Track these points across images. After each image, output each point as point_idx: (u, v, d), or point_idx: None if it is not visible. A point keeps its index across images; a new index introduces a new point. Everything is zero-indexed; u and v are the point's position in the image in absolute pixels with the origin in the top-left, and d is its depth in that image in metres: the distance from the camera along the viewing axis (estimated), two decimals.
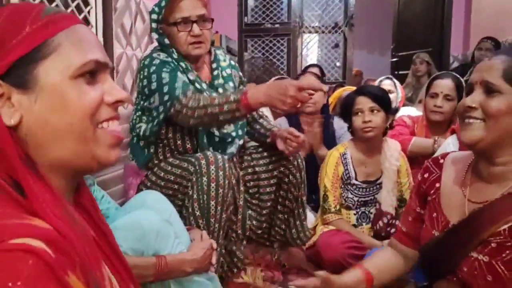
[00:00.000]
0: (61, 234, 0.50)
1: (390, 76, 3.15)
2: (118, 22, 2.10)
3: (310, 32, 5.07)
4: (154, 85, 1.59)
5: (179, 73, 1.60)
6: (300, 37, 4.93)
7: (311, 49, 5.22)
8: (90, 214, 0.67)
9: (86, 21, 1.95)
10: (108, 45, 2.02)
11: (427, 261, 1.10)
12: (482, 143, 0.98)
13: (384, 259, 1.24)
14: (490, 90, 0.98)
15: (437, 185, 1.13)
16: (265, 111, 2.36)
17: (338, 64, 5.05)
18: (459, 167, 1.11)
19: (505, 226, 0.96)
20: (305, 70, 3.67)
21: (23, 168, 0.52)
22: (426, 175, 1.17)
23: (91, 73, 0.59)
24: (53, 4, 1.75)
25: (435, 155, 1.83)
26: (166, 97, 1.56)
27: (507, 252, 0.94)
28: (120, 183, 1.90)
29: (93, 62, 0.58)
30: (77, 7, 1.87)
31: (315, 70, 3.39)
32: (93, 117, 0.58)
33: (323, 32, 5.02)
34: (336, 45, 5.00)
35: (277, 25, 4.93)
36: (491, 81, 0.97)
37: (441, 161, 1.16)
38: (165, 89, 1.56)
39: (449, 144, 1.82)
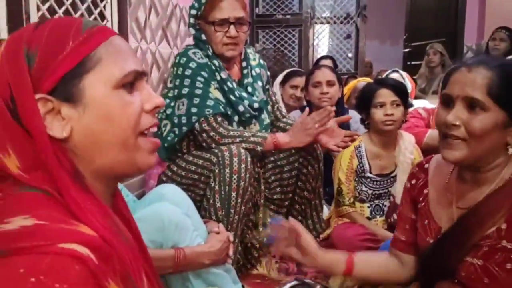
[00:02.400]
0: (106, 241, 0.52)
1: (397, 69, 3.12)
2: (133, 16, 2.12)
3: (322, 22, 5.03)
4: (185, 90, 1.62)
5: (212, 86, 1.63)
6: (312, 28, 4.89)
7: (322, 40, 5.19)
8: (127, 218, 0.70)
9: (102, 16, 1.97)
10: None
11: (426, 268, 1.10)
12: (466, 161, 0.97)
13: (376, 257, 1.23)
14: (473, 106, 0.93)
15: (425, 191, 1.12)
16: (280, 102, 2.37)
17: (350, 55, 5.01)
18: (444, 171, 1.10)
19: (493, 228, 0.96)
20: (317, 62, 3.67)
21: (65, 179, 0.55)
22: (413, 182, 1.16)
23: (131, 83, 0.61)
24: (69, 1, 1.77)
25: None
26: (193, 110, 1.60)
27: (499, 254, 0.95)
28: (139, 175, 1.93)
29: (133, 73, 0.61)
30: (93, 2, 1.89)
31: (328, 62, 3.39)
32: (136, 127, 0.61)
33: (335, 22, 4.98)
34: (348, 36, 4.96)
35: (288, 16, 4.89)
36: (476, 97, 0.92)
37: (426, 165, 1.15)
38: (196, 101, 1.60)
39: None
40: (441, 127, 0.99)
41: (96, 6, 1.92)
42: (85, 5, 1.85)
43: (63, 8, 1.73)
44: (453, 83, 0.97)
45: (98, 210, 0.56)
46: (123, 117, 0.59)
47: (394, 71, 3.06)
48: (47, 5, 1.64)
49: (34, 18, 1.59)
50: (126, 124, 0.60)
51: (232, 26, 1.63)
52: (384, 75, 3.06)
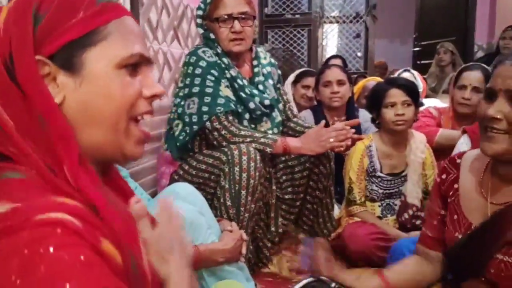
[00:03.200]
0: (102, 215, 0.51)
1: (408, 68, 3.11)
2: (145, 17, 2.14)
3: (331, 22, 5.02)
4: (196, 89, 1.64)
5: (222, 85, 1.65)
6: (321, 27, 4.89)
7: (331, 40, 5.18)
8: (125, 191, 0.68)
9: None
10: None
11: (453, 264, 1.10)
12: (505, 155, 0.96)
13: (410, 269, 1.20)
14: None
15: (456, 186, 1.11)
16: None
17: (359, 54, 5.00)
18: (477, 167, 1.09)
19: None
20: (327, 62, 3.66)
21: (75, 152, 0.53)
22: (444, 176, 1.15)
23: (134, 65, 0.60)
24: None
25: (453, 153, 1.82)
26: (204, 109, 1.61)
27: None
28: (151, 173, 1.95)
29: (138, 55, 0.60)
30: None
31: (338, 61, 3.38)
32: (131, 109, 0.60)
33: (344, 22, 4.97)
34: (358, 35, 4.94)
35: (297, 16, 4.89)
36: None
37: (458, 160, 1.14)
38: (206, 100, 1.62)
39: (462, 143, 1.82)
40: (482, 120, 0.99)
41: None
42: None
43: None
44: (496, 76, 0.97)
45: (91, 179, 0.54)
46: (119, 97, 0.58)
47: (405, 70, 3.06)
48: None
49: None
50: (121, 104, 0.58)
51: (236, 21, 1.65)
52: (396, 74, 3.05)
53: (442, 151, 2.08)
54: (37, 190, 0.50)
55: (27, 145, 0.52)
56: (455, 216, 1.09)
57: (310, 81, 2.74)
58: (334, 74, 2.35)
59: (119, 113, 0.58)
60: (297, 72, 2.89)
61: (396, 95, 1.83)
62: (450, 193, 1.12)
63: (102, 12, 0.57)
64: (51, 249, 0.43)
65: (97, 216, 0.51)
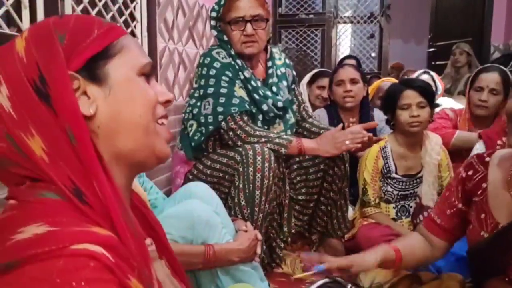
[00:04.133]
0: (122, 240, 0.52)
1: (427, 70, 3.08)
2: (161, 17, 2.16)
3: (345, 22, 5.00)
4: (211, 90, 1.65)
5: (237, 86, 1.65)
6: (334, 27, 4.87)
7: (345, 40, 5.16)
8: (142, 212, 0.71)
9: (132, 17, 2.01)
10: (151, 40, 2.08)
11: (476, 262, 1.09)
12: None
13: (414, 243, 1.22)
14: None
15: (484, 185, 1.10)
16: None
17: (373, 54, 4.97)
18: (506, 166, 1.08)
19: None
20: (341, 62, 3.65)
21: (93, 162, 0.55)
22: (470, 173, 1.14)
23: (147, 74, 0.64)
24: (102, 1, 1.82)
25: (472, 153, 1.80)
26: (220, 109, 1.62)
27: None
28: (166, 173, 1.96)
29: (149, 64, 0.64)
30: (124, 3, 1.93)
31: (352, 62, 3.36)
32: (154, 112, 0.63)
33: (358, 22, 4.94)
34: (372, 35, 4.92)
35: (311, 16, 4.88)
36: None
37: (487, 159, 1.13)
38: (221, 100, 1.63)
39: (477, 149, 1.80)
40: (509, 115, 1.00)
41: (126, 7, 1.97)
42: (116, 6, 1.90)
43: (96, 9, 1.78)
44: None
45: (119, 206, 0.55)
46: (145, 101, 0.62)
47: (424, 72, 3.02)
48: (81, 6, 1.69)
49: None
50: (146, 107, 0.62)
51: (248, 24, 1.65)
52: (414, 76, 3.02)
53: (458, 153, 2.06)
54: (71, 214, 0.52)
55: (56, 168, 0.54)
56: (482, 215, 1.08)
57: (326, 81, 2.73)
58: (347, 73, 2.34)
59: (147, 116, 0.62)
60: (313, 72, 2.89)
61: (410, 96, 1.82)
62: (478, 192, 1.11)
63: (111, 30, 0.62)
64: (82, 283, 0.44)
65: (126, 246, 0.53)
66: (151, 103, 0.62)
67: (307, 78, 2.85)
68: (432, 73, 3.01)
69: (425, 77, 2.93)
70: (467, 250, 1.13)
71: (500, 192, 1.06)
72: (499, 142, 1.83)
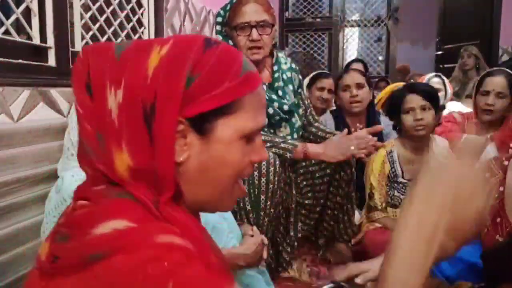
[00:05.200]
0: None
1: (439, 73, 3.06)
2: (168, 22, 2.18)
3: (352, 25, 5.00)
4: None
5: None
6: (341, 31, 4.87)
7: (352, 43, 5.15)
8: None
9: (140, 23, 2.04)
10: None
11: (490, 266, 1.09)
12: None
13: None
14: None
15: (501, 189, 1.09)
16: None
17: (380, 58, 4.97)
18: None
19: None
20: (348, 66, 3.65)
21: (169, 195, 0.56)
22: (487, 175, 1.13)
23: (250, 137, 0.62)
24: (110, 8, 1.85)
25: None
26: None
27: None
28: None
29: (260, 128, 0.62)
30: (132, 9, 1.96)
31: (359, 66, 3.36)
32: (241, 174, 0.62)
33: (365, 25, 4.94)
34: (379, 39, 4.91)
35: (318, 19, 4.89)
36: None
37: (505, 162, 1.12)
38: None
39: (488, 152, 1.79)
40: None
41: (134, 13, 1.99)
42: (124, 12, 1.92)
43: (104, 16, 1.80)
44: None
45: (195, 228, 0.57)
46: (236, 165, 0.60)
47: (436, 75, 3.00)
48: (89, 13, 1.71)
49: (78, 26, 1.67)
50: (236, 171, 0.61)
51: (254, 30, 1.65)
52: (425, 79, 3.00)
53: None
54: (147, 215, 0.53)
55: (137, 184, 0.55)
56: (498, 219, 1.08)
57: (325, 82, 2.74)
58: (352, 77, 2.34)
59: (231, 178, 0.61)
60: (312, 75, 2.89)
61: (414, 100, 1.82)
62: (495, 196, 1.10)
63: (244, 83, 0.58)
64: (174, 267, 0.46)
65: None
66: (241, 168, 0.61)
67: (306, 81, 2.85)
68: (443, 77, 2.99)
69: (435, 80, 2.92)
70: (481, 254, 1.13)
71: None
72: (511, 145, 1.81)
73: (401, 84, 2.79)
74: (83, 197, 0.56)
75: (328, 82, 2.76)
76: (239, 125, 0.58)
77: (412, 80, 3.94)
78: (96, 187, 0.56)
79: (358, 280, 1.05)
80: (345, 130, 1.73)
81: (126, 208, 0.53)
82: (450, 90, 2.95)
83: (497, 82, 2.08)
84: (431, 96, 1.83)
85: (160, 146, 0.54)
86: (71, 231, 0.52)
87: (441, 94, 2.72)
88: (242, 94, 0.58)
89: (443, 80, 2.93)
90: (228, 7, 1.70)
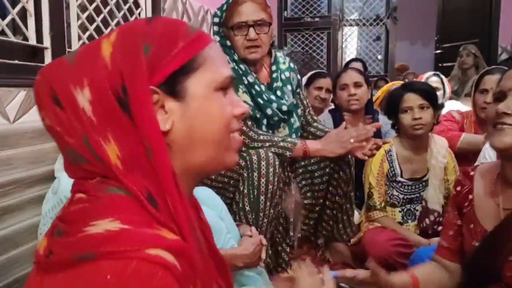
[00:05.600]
0: (189, 247, 0.54)
1: (438, 72, 3.05)
2: None
3: (350, 25, 5.00)
4: None
5: (240, 90, 1.66)
6: (340, 30, 4.87)
7: (351, 42, 5.15)
8: (200, 217, 0.72)
9: None
10: None
11: (471, 271, 1.10)
12: None
13: (431, 270, 1.22)
14: None
15: (470, 196, 1.13)
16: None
17: (379, 57, 4.97)
18: (489, 178, 1.11)
19: None
20: (347, 65, 3.65)
21: (167, 175, 0.55)
22: (458, 188, 1.17)
23: (224, 87, 0.63)
24: (107, 8, 1.84)
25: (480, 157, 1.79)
26: None
27: None
28: None
29: (229, 78, 0.63)
30: (129, 9, 1.95)
31: (358, 65, 3.36)
32: (229, 127, 0.63)
33: (364, 24, 4.94)
34: (378, 38, 4.91)
35: (317, 19, 4.89)
36: None
37: (472, 173, 1.16)
38: None
39: (487, 148, 1.79)
40: (491, 119, 1.02)
41: (131, 13, 1.99)
42: (121, 12, 1.92)
43: (101, 16, 1.79)
44: (506, 79, 1.02)
45: (185, 213, 0.56)
46: (221, 118, 0.61)
47: (434, 74, 3.00)
48: (86, 13, 1.71)
49: (74, 26, 1.66)
50: (222, 124, 0.62)
51: (251, 29, 1.64)
52: (424, 77, 2.99)
53: (465, 156, 2.04)
54: (141, 213, 0.53)
55: (130, 175, 0.55)
56: (471, 225, 1.10)
57: (322, 82, 2.74)
58: (350, 76, 2.34)
59: (221, 133, 0.62)
60: (309, 74, 2.89)
61: (412, 99, 1.82)
62: (465, 204, 1.14)
63: (197, 40, 0.60)
64: (156, 286, 0.47)
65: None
66: (227, 120, 0.62)
67: (303, 81, 2.85)
68: (442, 76, 2.99)
69: (434, 79, 2.91)
70: (461, 261, 1.14)
71: (486, 202, 1.09)
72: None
73: (398, 82, 2.79)
74: (80, 190, 0.57)
75: (325, 82, 2.76)
76: (207, 78, 0.60)
77: (406, 80, 3.95)
78: (91, 180, 0.57)
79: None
80: (343, 124, 1.72)
81: (120, 206, 0.53)
82: (448, 89, 2.94)
83: (495, 80, 2.07)
84: (429, 95, 1.83)
85: (144, 120, 0.55)
86: (66, 227, 0.53)
87: (439, 93, 2.72)
88: (200, 49, 0.60)
89: (441, 79, 2.92)
90: (224, 7, 1.69)
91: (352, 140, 1.62)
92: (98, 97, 0.55)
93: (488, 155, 1.80)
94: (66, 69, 0.57)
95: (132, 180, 0.55)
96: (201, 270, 0.56)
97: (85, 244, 0.49)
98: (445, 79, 2.95)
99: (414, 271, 1.20)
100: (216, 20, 1.73)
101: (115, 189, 0.55)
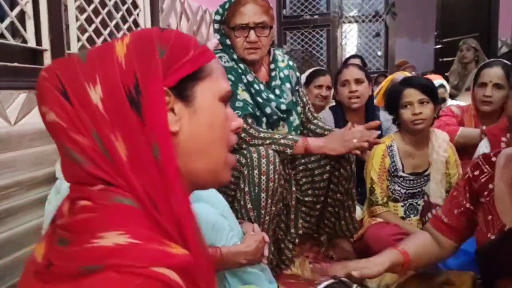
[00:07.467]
0: (194, 256, 0.53)
1: (443, 83, 2.97)
2: (164, 22, 2.18)
3: (350, 21, 4.99)
4: None
5: (240, 89, 1.66)
6: (339, 27, 4.86)
7: (350, 39, 5.14)
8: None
9: (136, 23, 2.03)
10: None
11: (485, 263, 1.08)
12: None
13: (422, 243, 1.21)
14: None
15: (491, 186, 1.09)
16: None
17: (379, 53, 4.96)
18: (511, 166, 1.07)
19: None
20: (346, 62, 3.64)
21: (173, 176, 0.55)
22: (477, 173, 1.13)
23: (225, 101, 0.66)
24: (105, 9, 1.84)
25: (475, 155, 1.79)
26: None
27: None
28: None
29: (230, 92, 0.66)
30: (128, 10, 1.95)
31: (357, 61, 3.35)
32: (228, 139, 0.65)
33: (363, 21, 4.93)
34: (377, 34, 4.90)
35: (316, 16, 4.88)
36: None
37: (493, 159, 1.11)
38: None
39: (481, 147, 1.78)
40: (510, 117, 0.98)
41: (130, 14, 1.99)
42: (120, 13, 1.92)
43: (100, 17, 1.80)
44: None
45: (189, 214, 0.57)
46: (222, 127, 0.64)
47: (440, 86, 2.85)
48: (84, 15, 1.71)
49: (73, 28, 1.67)
50: (223, 134, 0.64)
51: (252, 31, 1.65)
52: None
53: (464, 150, 2.04)
54: (148, 225, 0.53)
55: (136, 177, 0.55)
56: (489, 217, 1.07)
57: (323, 80, 2.74)
58: (351, 73, 2.33)
59: (222, 143, 0.64)
60: (308, 72, 2.88)
61: (411, 94, 1.81)
62: (485, 193, 1.10)
63: (205, 52, 0.63)
64: None
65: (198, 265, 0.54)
66: (226, 131, 0.65)
67: (302, 78, 2.84)
68: (445, 83, 2.87)
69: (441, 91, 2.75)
70: (475, 251, 1.12)
71: (507, 194, 1.05)
72: (503, 139, 1.81)
73: (404, 72, 2.75)
74: (83, 197, 0.55)
75: (325, 79, 2.76)
76: (214, 87, 0.63)
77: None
78: (92, 187, 0.55)
79: (354, 273, 1.05)
80: (349, 124, 1.72)
81: (127, 217, 0.53)
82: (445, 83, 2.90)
83: (494, 73, 2.07)
84: (429, 90, 1.83)
85: (154, 119, 0.55)
86: (71, 236, 0.52)
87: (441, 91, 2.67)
88: (209, 59, 0.63)
89: (445, 88, 2.85)
90: (227, 5, 1.69)
91: (355, 140, 1.62)
92: (110, 94, 0.55)
93: (485, 148, 1.80)
94: (79, 66, 0.57)
95: (136, 181, 0.54)
96: (206, 281, 0.56)
97: (94, 256, 0.49)
98: (447, 86, 2.88)
99: (404, 246, 1.18)
100: (218, 18, 1.73)
101: (119, 198, 0.54)
